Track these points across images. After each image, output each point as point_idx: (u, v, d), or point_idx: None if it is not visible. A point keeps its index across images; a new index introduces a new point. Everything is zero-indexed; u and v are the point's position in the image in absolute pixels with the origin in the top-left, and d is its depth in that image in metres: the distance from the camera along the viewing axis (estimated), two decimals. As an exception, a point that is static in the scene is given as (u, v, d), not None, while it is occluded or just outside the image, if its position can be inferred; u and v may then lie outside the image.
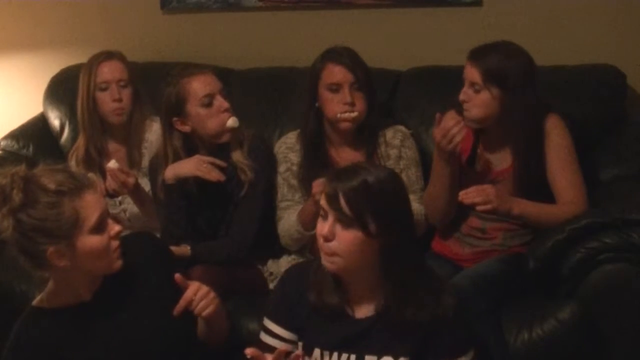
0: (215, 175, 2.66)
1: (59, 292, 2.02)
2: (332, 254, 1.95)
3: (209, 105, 2.72)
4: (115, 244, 1.98)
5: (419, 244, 2.06)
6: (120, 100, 3.02)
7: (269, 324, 2.13)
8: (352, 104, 2.71)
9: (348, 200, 1.90)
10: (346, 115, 2.71)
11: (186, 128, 2.75)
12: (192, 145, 2.78)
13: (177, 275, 2.02)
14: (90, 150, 3.07)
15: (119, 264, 2.00)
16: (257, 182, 2.75)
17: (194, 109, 2.72)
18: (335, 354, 2.03)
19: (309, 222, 2.67)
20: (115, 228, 1.97)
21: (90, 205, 1.92)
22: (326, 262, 1.97)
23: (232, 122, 2.73)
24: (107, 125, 3.09)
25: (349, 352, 2.02)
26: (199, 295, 2.02)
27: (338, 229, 1.93)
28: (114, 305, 2.03)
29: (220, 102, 2.72)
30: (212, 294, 2.05)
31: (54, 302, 2.03)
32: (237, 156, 2.76)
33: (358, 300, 2.03)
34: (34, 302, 2.06)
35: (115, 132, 3.11)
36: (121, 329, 2.02)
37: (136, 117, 3.07)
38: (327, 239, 1.94)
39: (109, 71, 3.02)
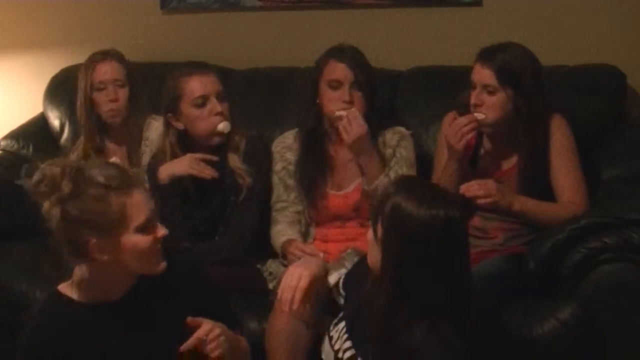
0: (208, 173, 2.67)
1: (91, 285, 2.00)
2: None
3: (202, 106, 2.72)
4: (159, 246, 1.97)
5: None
6: (116, 100, 3.02)
7: None
8: (350, 103, 2.68)
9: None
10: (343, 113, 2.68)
11: (179, 125, 2.76)
12: (187, 142, 2.78)
13: (189, 319, 1.97)
14: (89, 151, 3.08)
15: (162, 266, 1.99)
16: (255, 184, 2.75)
17: (187, 108, 2.73)
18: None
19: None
20: (161, 231, 1.96)
21: (139, 204, 1.91)
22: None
23: (222, 126, 2.72)
24: (105, 126, 3.09)
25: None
26: (210, 337, 1.96)
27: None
28: (138, 312, 2.01)
29: (213, 104, 2.71)
30: (222, 338, 1.99)
31: (82, 294, 2.01)
32: (234, 161, 2.76)
33: None
34: (60, 287, 2.04)
35: (113, 132, 3.11)
36: (137, 338, 2.00)
37: (133, 117, 3.07)
38: None
39: (105, 71, 3.02)
